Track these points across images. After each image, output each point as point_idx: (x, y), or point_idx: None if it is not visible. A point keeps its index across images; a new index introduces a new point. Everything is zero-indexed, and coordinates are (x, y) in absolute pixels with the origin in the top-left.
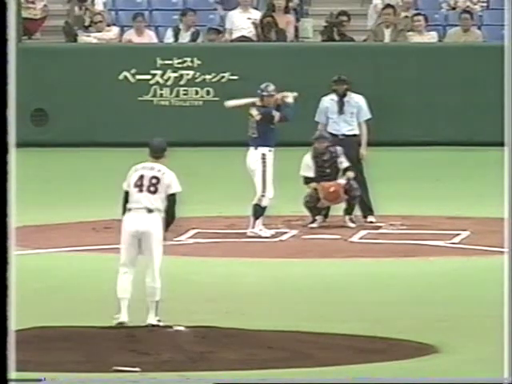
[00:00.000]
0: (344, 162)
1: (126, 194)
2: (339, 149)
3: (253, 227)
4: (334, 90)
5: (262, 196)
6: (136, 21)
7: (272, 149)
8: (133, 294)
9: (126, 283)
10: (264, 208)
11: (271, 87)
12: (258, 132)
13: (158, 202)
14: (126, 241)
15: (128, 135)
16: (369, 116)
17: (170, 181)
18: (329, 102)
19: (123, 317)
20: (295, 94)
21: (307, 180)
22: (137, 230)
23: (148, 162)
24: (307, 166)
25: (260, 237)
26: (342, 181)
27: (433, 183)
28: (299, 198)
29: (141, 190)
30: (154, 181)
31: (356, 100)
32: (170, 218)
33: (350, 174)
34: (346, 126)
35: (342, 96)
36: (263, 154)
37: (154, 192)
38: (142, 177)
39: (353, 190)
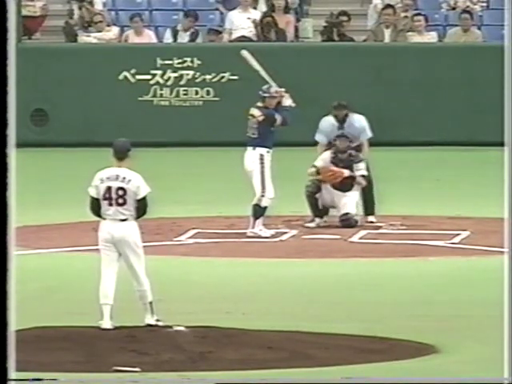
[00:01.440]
0: (362, 170)
1: (96, 201)
2: (361, 155)
3: (253, 227)
4: (334, 115)
5: (262, 196)
6: (133, 21)
7: (270, 150)
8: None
9: (107, 289)
10: (264, 208)
11: (273, 88)
12: (259, 133)
13: (130, 209)
14: (103, 247)
15: (128, 135)
16: (370, 135)
17: (137, 187)
18: (329, 126)
19: (106, 323)
20: (283, 89)
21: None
22: (112, 236)
23: (112, 166)
24: (322, 158)
25: (260, 237)
26: (346, 172)
27: (433, 183)
28: (299, 198)
29: (110, 204)
30: (120, 192)
31: (356, 125)
32: (139, 217)
33: (361, 180)
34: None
35: (341, 122)
36: (261, 155)
37: (123, 204)
38: (109, 189)
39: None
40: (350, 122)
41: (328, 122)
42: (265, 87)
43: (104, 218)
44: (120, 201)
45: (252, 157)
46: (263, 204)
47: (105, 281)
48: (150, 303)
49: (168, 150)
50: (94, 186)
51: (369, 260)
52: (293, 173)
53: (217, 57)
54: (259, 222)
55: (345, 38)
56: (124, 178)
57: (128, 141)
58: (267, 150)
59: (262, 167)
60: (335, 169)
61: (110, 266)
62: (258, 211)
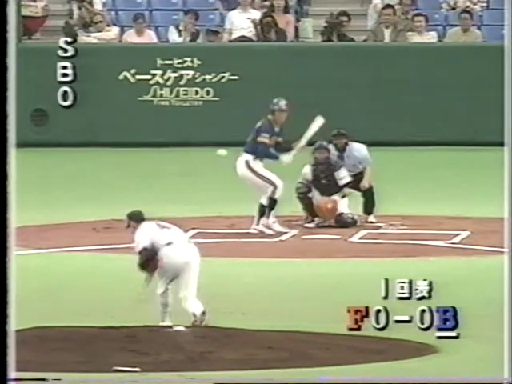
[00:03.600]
0: (344, 178)
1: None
2: (340, 162)
3: (268, 217)
4: (333, 144)
5: (275, 189)
6: (137, 23)
7: (258, 158)
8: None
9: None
10: (276, 200)
11: (283, 102)
12: (253, 139)
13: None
14: None
15: (128, 135)
16: (370, 162)
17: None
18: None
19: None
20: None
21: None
22: None
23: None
24: (304, 173)
25: (270, 230)
26: (336, 197)
27: (433, 183)
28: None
29: None
30: None
31: (356, 154)
32: None
33: (347, 191)
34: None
35: (341, 150)
36: (246, 161)
37: None
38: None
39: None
40: (350, 151)
41: None
42: (275, 100)
43: None
44: None
45: (240, 162)
46: (277, 195)
47: None
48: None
49: (168, 150)
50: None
51: (369, 260)
52: (292, 173)
53: (217, 57)
54: (272, 215)
55: (345, 39)
56: None
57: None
58: (253, 157)
59: (253, 171)
60: (330, 204)
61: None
62: (271, 203)
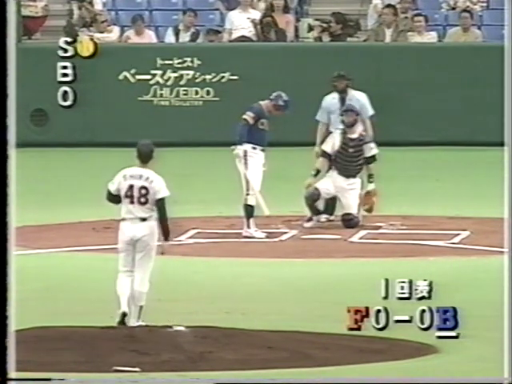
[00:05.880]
0: (374, 149)
1: (113, 197)
2: (370, 133)
3: (248, 227)
4: (333, 85)
5: (247, 195)
6: (135, 24)
7: (257, 147)
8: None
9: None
10: (252, 207)
11: (282, 99)
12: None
13: (151, 209)
14: (123, 249)
15: (128, 135)
16: (371, 112)
17: (160, 188)
18: (330, 100)
19: (123, 307)
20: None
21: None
22: (132, 237)
23: (136, 166)
24: (330, 143)
25: (254, 237)
26: (373, 187)
27: (433, 183)
28: (299, 198)
29: (132, 202)
30: (143, 191)
31: (357, 97)
32: (163, 222)
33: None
34: None
35: (341, 92)
36: (245, 151)
37: (145, 203)
38: (131, 187)
39: None
40: (352, 95)
41: (329, 97)
42: (275, 94)
43: (123, 219)
44: (142, 200)
45: (238, 155)
46: (249, 202)
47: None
48: (141, 307)
49: (168, 150)
50: (117, 182)
51: (369, 260)
52: (292, 173)
53: (217, 57)
54: (252, 221)
55: (339, 39)
56: (147, 178)
57: (151, 143)
58: (252, 146)
59: (246, 163)
60: (374, 199)
61: (127, 265)
62: (248, 210)
